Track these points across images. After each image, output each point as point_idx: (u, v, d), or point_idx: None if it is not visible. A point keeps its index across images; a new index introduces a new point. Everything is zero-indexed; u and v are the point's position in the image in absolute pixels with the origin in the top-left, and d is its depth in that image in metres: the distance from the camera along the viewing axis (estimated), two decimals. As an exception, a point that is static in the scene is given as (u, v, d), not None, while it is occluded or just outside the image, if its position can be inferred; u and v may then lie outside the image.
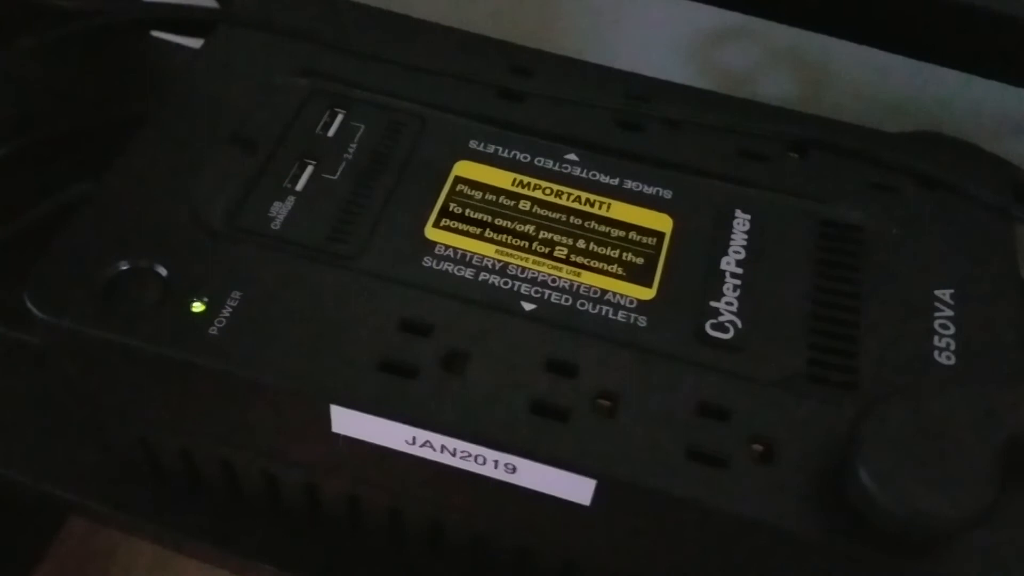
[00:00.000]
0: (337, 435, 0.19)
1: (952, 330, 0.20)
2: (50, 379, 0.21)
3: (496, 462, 0.18)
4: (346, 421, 0.18)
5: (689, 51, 0.42)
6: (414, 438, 0.18)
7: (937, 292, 0.20)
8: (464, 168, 0.22)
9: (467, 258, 0.21)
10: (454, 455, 0.18)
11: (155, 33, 0.34)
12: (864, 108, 0.41)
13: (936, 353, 0.19)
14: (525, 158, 0.23)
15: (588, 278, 0.21)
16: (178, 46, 0.32)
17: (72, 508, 0.25)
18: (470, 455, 0.18)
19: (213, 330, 0.18)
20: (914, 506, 0.16)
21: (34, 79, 0.31)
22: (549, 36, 0.43)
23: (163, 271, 0.19)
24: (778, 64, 0.42)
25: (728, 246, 0.21)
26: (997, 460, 0.16)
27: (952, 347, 0.20)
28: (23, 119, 0.29)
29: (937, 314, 0.20)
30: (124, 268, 0.19)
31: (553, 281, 0.20)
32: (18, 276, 0.19)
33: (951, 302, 0.20)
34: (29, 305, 0.18)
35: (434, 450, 0.18)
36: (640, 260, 0.21)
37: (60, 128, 0.29)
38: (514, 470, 0.18)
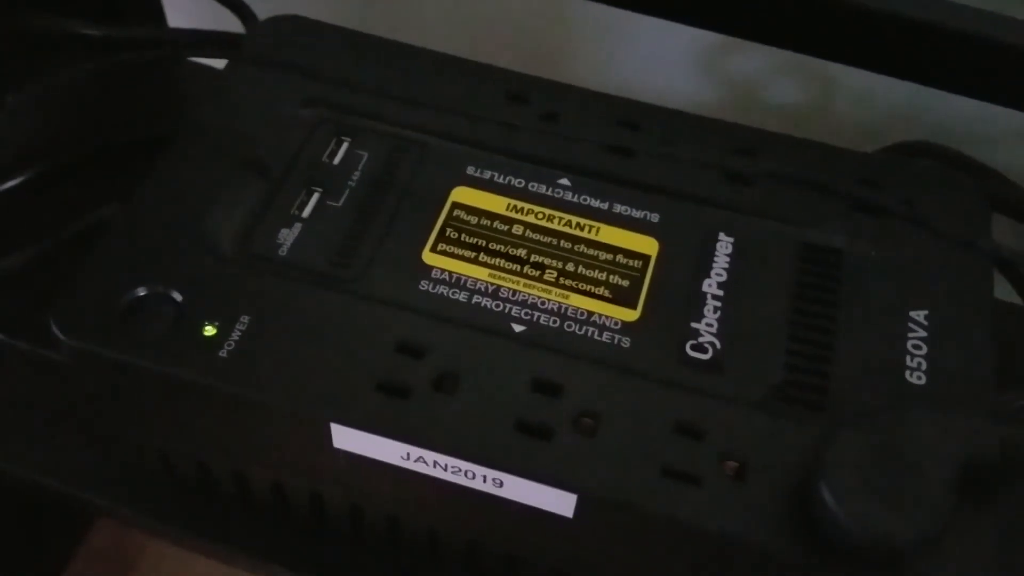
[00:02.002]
0: (338, 450, 0.20)
1: (925, 351, 0.21)
2: (73, 395, 0.22)
3: (484, 477, 0.19)
4: (345, 438, 0.20)
5: (697, 62, 0.43)
6: (408, 454, 0.19)
7: (912, 313, 0.21)
8: (461, 194, 0.23)
9: (461, 282, 0.22)
10: (446, 470, 0.19)
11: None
12: (869, 115, 0.42)
13: (908, 373, 0.20)
14: (520, 183, 0.24)
15: (576, 300, 0.22)
16: (207, 68, 0.34)
17: (99, 511, 0.27)
18: (460, 470, 0.19)
19: (223, 353, 0.20)
20: (871, 525, 0.17)
21: (63, 101, 0.32)
22: (561, 53, 0.44)
23: (178, 296, 0.21)
24: (784, 73, 0.42)
25: (711, 269, 0.22)
26: (954, 483, 0.17)
27: (924, 367, 0.20)
28: (52, 141, 0.31)
29: (911, 335, 0.21)
30: (142, 294, 0.21)
31: (542, 303, 0.22)
32: (48, 295, 0.21)
33: (925, 323, 0.21)
34: (54, 329, 0.20)
35: (427, 465, 0.19)
36: (626, 283, 0.22)
37: (88, 149, 0.30)
38: (501, 484, 0.19)
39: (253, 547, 0.25)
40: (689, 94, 0.44)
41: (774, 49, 0.32)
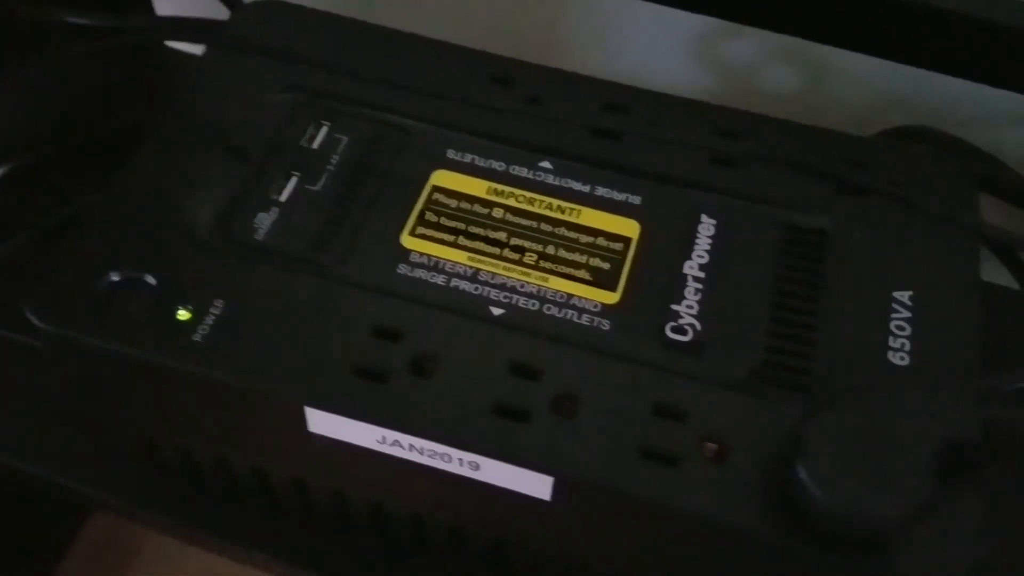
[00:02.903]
0: (314, 435, 0.20)
1: (908, 331, 0.20)
2: (53, 382, 0.22)
3: (460, 460, 0.19)
4: (321, 422, 0.19)
5: (691, 48, 0.42)
6: (384, 438, 0.19)
7: (896, 294, 0.21)
8: (442, 177, 0.23)
9: (440, 265, 0.22)
10: (422, 453, 0.19)
11: (169, 43, 0.35)
12: (865, 100, 0.41)
13: (890, 354, 0.20)
14: (501, 167, 0.23)
15: (555, 283, 0.21)
16: (192, 56, 0.34)
17: (86, 501, 0.27)
18: (436, 454, 0.19)
19: (197, 337, 0.20)
20: (850, 503, 0.17)
21: (47, 91, 0.32)
22: (553, 37, 0.44)
23: (153, 281, 0.20)
24: (779, 58, 0.42)
25: (692, 250, 0.22)
26: (935, 462, 0.17)
27: (907, 348, 0.20)
28: (36, 130, 0.31)
29: (894, 315, 0.21)
30: (117, 279, 0.21)
31: (521, 286, 0.21)
32: (31, 283, 0.21)
33: (909, 304, 0.21)
34: (29, 315, 0.20)
35: (403, 449, 0.19)
36: (606, 265, 0.22)
37: (72, 139, 0.30)
38: (477, 467, 0.19)
39: (240, 535, 0.24)
40: (684, 81, 0.43)
41: (769, 35, 0.32)
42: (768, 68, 0.42)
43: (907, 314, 0.21)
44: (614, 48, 0.43)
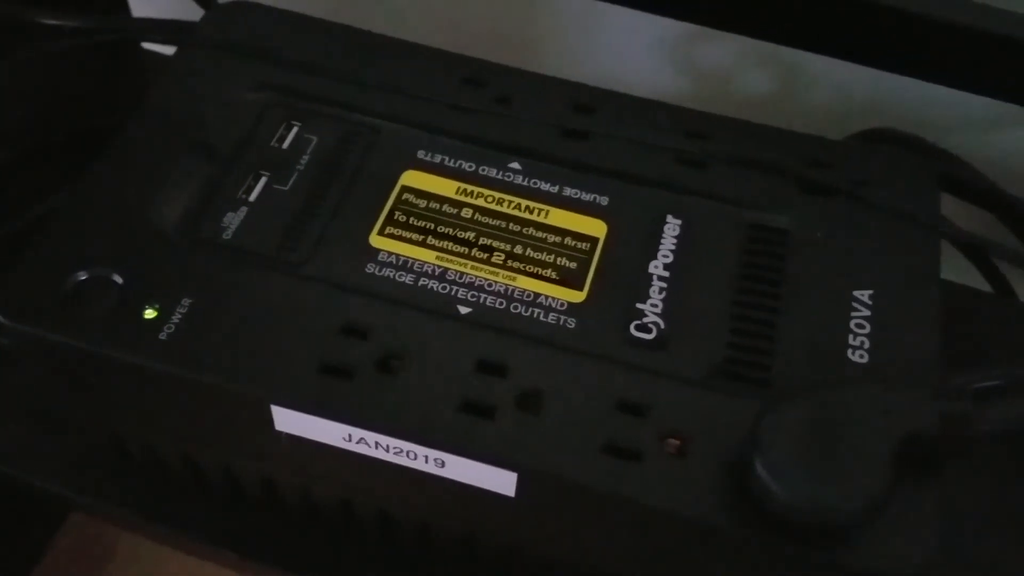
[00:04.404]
0: (280, 433, 0.20)
1: (868, 329, 0.21)
2: (21, 380, 0.22)
3: (426, 457, 0.19)
4: (287, 420, 0.20)
5: (666, 52, 0.43)
6: (350, 435, 0.19)
7: (856, 293, 0.21)
8: (411, 177, 0.23)
9: (408, 264, 0.22)
10: (388, 451, 0.19)
11: (147, 45, 0.35)
12: (835, 105, 0.42)
13: (851, 352, 0.20)
14: (470, 167, 0.24)
15: (523, 282, 0.22)
16: (166, 57, 0.34)
17: (67, 504, 0.27)
18: (402, 451, 0.19)
19: (163, 335, 0.20)
20: (806, 497, 0.17)
21: (18, 90, 0.32)
22: (528, 41, 0.44)
23: (119, 280, 0.20)
24: (753, 63, 0.42)
25: (658, 250, 0.22)
26: (892, 456, 0.17)
27: (866, 346, 0.20)
28: (7, 130, 0.31)
29: (854, 314, 0.21)
30: (84, 277, 0.21)
31: (489, 285, 0.22)
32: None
33: (869, 303, 0.21)
34: (-6, 313, 0.20)
35: (369, 446, 0.19)
36: (573, 265, 0.22)
37: (45, 139, 0.30)
38: (443, 464, 0.19)
39: (210, 534, 0.24)
40: (659, 85, 0.44)
41: (743, 39, 0.32)
42: (743, 72, 0.43)
43: (867, 313, 0.21)
44: (590, 52, 0.43)
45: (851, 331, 0.21)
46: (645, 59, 0.43)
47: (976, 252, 0.29)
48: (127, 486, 0.25)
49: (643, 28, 0.42)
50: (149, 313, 0.20)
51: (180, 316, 0.20)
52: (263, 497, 0.23)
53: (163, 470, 0.24)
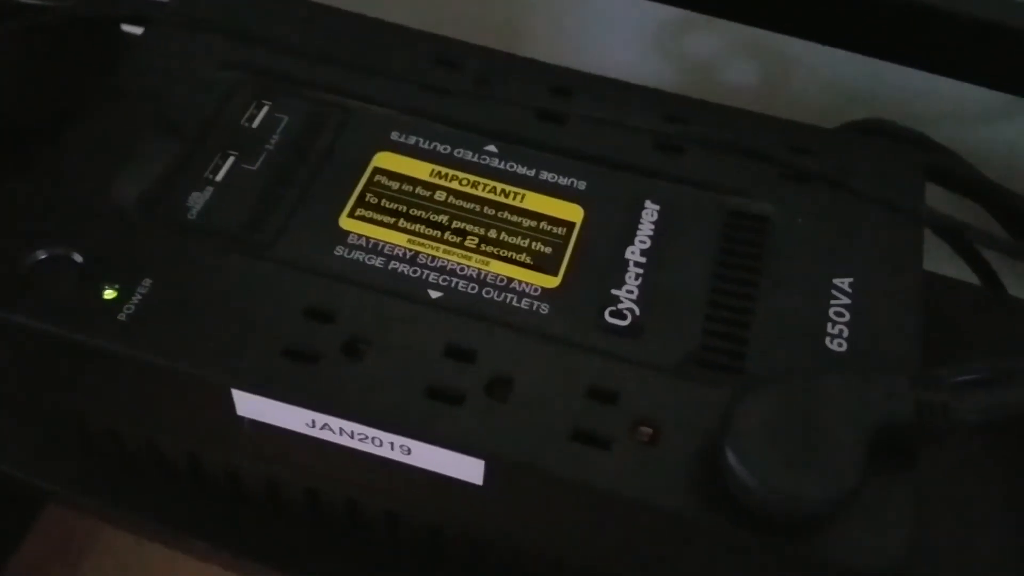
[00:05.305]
0: (242, 418, 0.19)
1: (847, 317, 0.20)
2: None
3: (392, 444, 0.19)
4: (249, 405, 0.19)
5: (653, 42, 0.42)
6: (313, 421, 0.19)
7: (836, 280, 0.21)
8: (384, 159, 0.23)
9: (379, 247, 0.21)
10: (352, 437, 0.19)
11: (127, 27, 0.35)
12: (826, 96, 0.41)
13: (828, 340, 0.20)
14: (445, 149, 0.23)
15: (496, 267, 0.21)
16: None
17: (46, 496, 0.26)
18: (367, 437, 0.19)
19: (122, 316, 0.19)
20: (777, 486, 0.16)
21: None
22: (515, 27, 0.43)
23: (79, 259, 0.20)
24: (741, 53, 0.42)
25: (635, 236, 0.22)
26: (864, 446, 0.17)
27: (845, 334, 0.20)
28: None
29: (833, 302, 0.21)
30: (44, 256, 0.20)
31: (461, 270, 0.21)
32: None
33: (849, 290, 0.21)
34: (-52, 293, 0.19)
35: (334, 432, 0.19)
36: (548, 250, 0.21)
37: (19, 120, 0.30)
38: (409, 451, 0.19)
39: (175, 522, 0.24)
40: (647, 73, 0.43)
41: (730, 29, 0.32)
42: (732, 62, 0.42)
43: (847, 300, 0.21)
44: (574, 41, 0.43)
45: (830, 319, 0.20)
46: (632, 48, 0.43)
47: (954, 236, 0.29)
48: (93, 474, 0.24)
49: (631, 16, 0.41)
50: (109, 293, 0.19)
51: (140, 297, 0.19)
52: (228, 486, 0.23)
53: (128, 458, 0.23)
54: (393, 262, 0.21)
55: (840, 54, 0.35)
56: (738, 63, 0.42)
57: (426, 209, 0.22)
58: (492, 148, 0.23)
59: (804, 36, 0.31)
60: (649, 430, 0.18)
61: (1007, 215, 0.26)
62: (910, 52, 0.29)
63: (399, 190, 0.22)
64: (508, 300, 0.21)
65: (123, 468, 0.24)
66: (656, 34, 0.42)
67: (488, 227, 0.22)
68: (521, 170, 0.23)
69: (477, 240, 0.22)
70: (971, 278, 0.30)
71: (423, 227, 0.22)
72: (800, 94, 0.42)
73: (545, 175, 0.23)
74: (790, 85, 0.42)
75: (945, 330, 0.23)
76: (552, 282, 0.21)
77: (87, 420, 0.22)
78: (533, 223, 0.22)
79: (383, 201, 0.22)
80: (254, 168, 0.22)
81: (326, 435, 0.19)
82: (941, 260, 0.28)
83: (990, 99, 0.32)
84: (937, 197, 0.25)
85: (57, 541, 0.50)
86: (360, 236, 0.21)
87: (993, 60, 0.28)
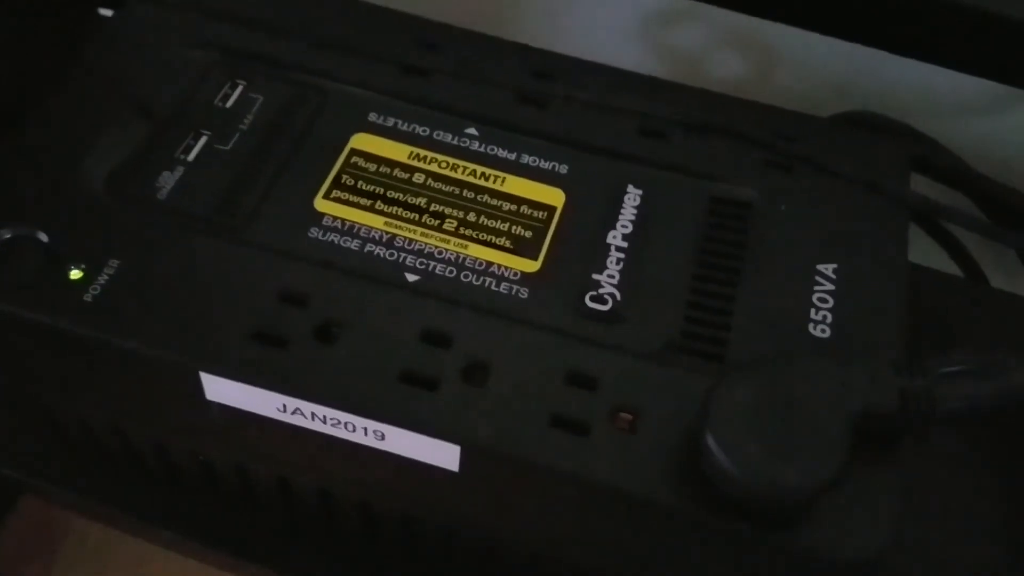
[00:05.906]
0: (211, 403, 0.19)
1: (831, 304, 0.20)
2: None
3: (365, 429, 0.18)
4: (218, 389, 0.18)
5: (638, 32, 0.42)
6: (284, 406, 0.18)
7: (820, 267, 0.21)
8: (361, 141, 0.22)
9: (354, 230, 0.21)
10: (325, 422, 0.18)
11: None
12: (812, 88, 0.41)
13: (811, 326, 0.20)
14: (424, 131, 0.23)
15: (475, 251, 0.21)
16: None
17: (21, 487, 0.26)
18: (340, 422, 0.18)
19: (88, 297, 0.18)
20: (758, 474, 0.16)
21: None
22: (500, 19, 0.43)
23: (44, 238, 0.19)
24: (726, 45, 0.42)
25: (617, 221, 0.21)
26: (847, 432, 0.17)
27: (828, 320, 0.20)
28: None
29: (817, 288, 0.20)
30: (8, 235, 0.19)
31: (439, 253, 0.21)
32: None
33: (833, 276, 0.20)
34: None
35: (305, 417, 0.18)
36: (528, 234, 0.21)
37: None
38: (383, 437, 0.18)
39: (142, 512, 0.23)
40: (633, 64, 0.43)
41: (719, 20, 0.31)
42: (718, 53, 0.42)
43: (830, 287, 0.20)
44: (559, 32, 0.42)
45: (813, 305, 0.20)
46: (619, 39, 0.42)
47: (935, 227, 0.28)
48: (61, 463, 0.24)
49: (618, 6, 0.41)
50: (75, 274, 0.19)
51: (107, 277, 0.19)
52: (198, 474, 0.22)
53: (95, 445, 0.22)
54: (369, 245, 0.20)
55: (827, 47, 0.35)
56: (725, 55, 0.42)
57: (404, 192, 0.22)
58: (472, 131, 0.23)
59: (795, 24, 0.30)
60: (629, 417, 0.18)
61: (990, 204, 0.26)
62: (902, 40, 0.29)
63: (376, 172, 0.22)
64: (487, 284, 0.20)
65: (90, 456, 0.23)
66: (642, 26, 0.42)
67: (467, 210, 0.21)
68: (502, 153, 0.22)
69: (456, 223, 0.21)
70: (954, 271, 0.30)
71: (400, 210, 0.21)
72: (787, 86, 0.42)
73: (526, 158, 0.22)
74: (777, 77, 0.42)
75: (928, 320, 0.23)
76: (532, 266, 0.20)
77: (54, 406, 0.22)
78: (513, 207, 0.22)
79: (360, 183, 0.22)
80: (227, 148, 0.22)
81: (298, 420, 0.19)
82: (925, 253, 0.28)
83: (975, 91, 0.32)
84: (922, 188, 0.25)
85: (32, 531, 0.49)
86: (335, 218, 0.21)
87: (985, 48, 0.28)
